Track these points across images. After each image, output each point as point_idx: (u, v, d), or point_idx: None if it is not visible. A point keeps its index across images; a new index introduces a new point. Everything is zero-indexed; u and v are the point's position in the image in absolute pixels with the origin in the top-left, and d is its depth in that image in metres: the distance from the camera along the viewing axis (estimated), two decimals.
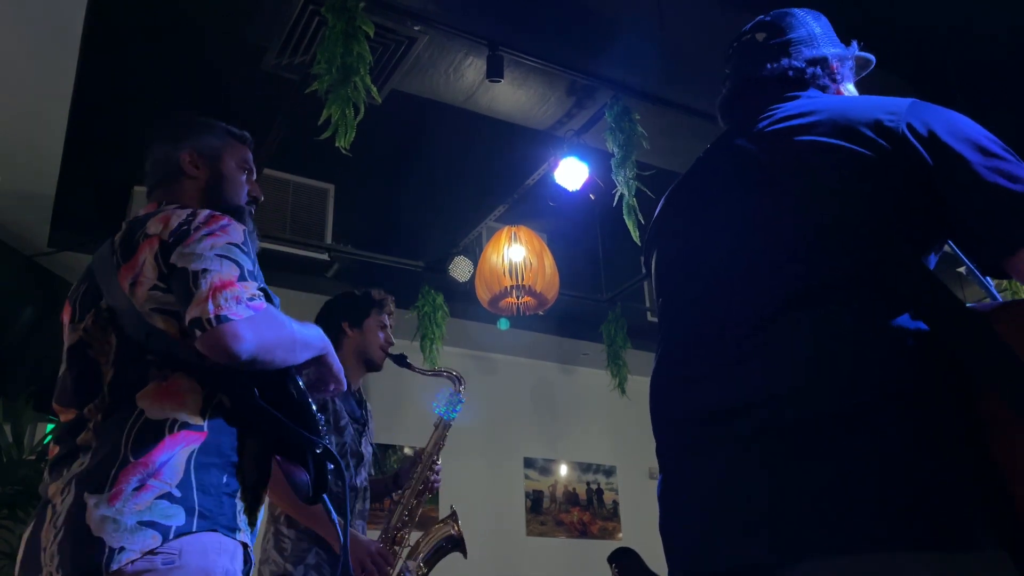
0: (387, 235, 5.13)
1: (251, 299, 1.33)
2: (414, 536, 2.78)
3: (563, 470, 6.73)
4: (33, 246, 4.62)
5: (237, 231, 1.42)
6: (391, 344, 2.65)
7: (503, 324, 5.19)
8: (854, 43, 1.35)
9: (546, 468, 6.66)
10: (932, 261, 1.09)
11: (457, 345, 5.93)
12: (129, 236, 1.44)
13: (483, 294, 4.42)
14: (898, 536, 0.89)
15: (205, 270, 1.32)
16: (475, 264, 4.78)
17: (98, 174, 4.24)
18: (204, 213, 1.43)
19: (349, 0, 3.01)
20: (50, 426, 4.26)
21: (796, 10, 1.36)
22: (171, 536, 1.22)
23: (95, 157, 4.04)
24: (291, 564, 2.30)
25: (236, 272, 1.34)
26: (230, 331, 1.27)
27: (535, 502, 6.48)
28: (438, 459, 2.82)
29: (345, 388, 1.59)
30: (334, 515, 1.52)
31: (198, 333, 1.27)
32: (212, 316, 1.27)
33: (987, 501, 0.90)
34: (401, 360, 2.74)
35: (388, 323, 2.65)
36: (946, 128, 1.04)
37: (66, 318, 1.50)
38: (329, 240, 4.74)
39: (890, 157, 1.04)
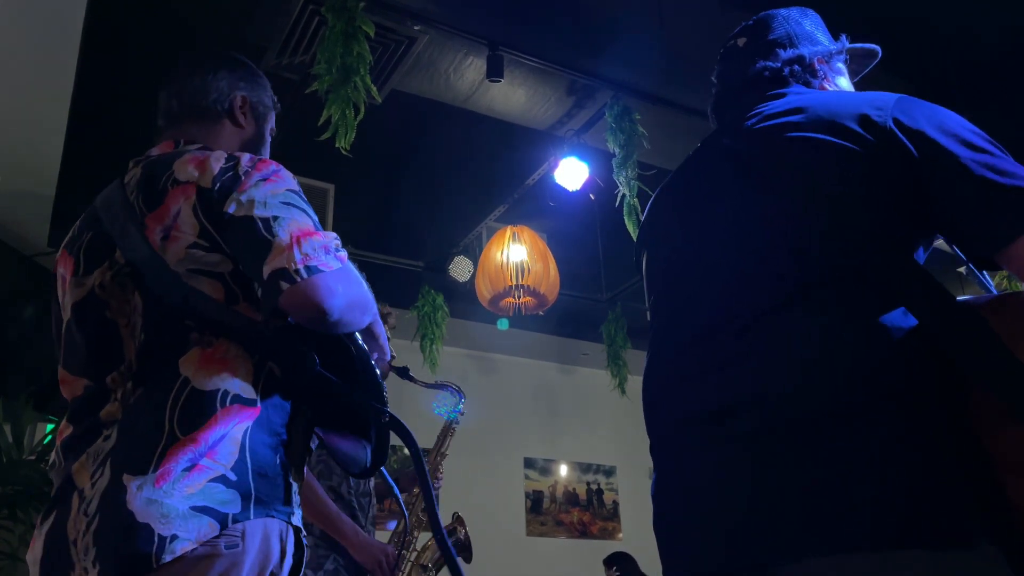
0: (387, 235, 5.13)
1: (337, 249, 1.17)
2: (421, 539, 2.79)
3: (563, 470, 6.73)
4: (33, 246, 4.63)
5: (290, 177, 1.24)
6: (394, 356, 2.67)
7: (503, 324, 5.19)
8: (843, 37, 1.35)
9: (546, 468, 6.66)
10: (922, 255, 1.09)
11: (457, 345, 5.93)
12: (151, 180, 1.23)
13: (484, 293, 4.43)
14: (894, 534, 0.89)
15: (276, 217, 1.15)
16: (475, 264, 4.78)
17: (98, 174, 4.23)
18: (247, 156, 1.24)
19: (349, 0, 3.01)
20: (50, 426, 4.26)
21: (780, 11, 1.37)
22: (228, 524, 1.08)
23: (95, 157, 4.04)
24: (310, 570, 2.30)
25: (309, 220, 1.18)
26: (324, 283, 1.11)
27: (535, 502, 6.48)
28: (441, 463, 2.84)
29: (389, 359, 1.45)
30: (396, 489, 1.44)
31: (284, 286, 1.09)
32: (301, 266, 1.10)
33: (981, 498, 0.91)
34: (404, 372, 2.76)
35: (388, 336, 2.68)
36: (933, 123, 1.04)
37: (64, 269, 1.31)
38: None
39: (878, 152, 1.04)
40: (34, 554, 1.16)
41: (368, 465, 1.26)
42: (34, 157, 3.94)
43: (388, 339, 2.63)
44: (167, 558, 1.04)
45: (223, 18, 3.44)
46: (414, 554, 2.74)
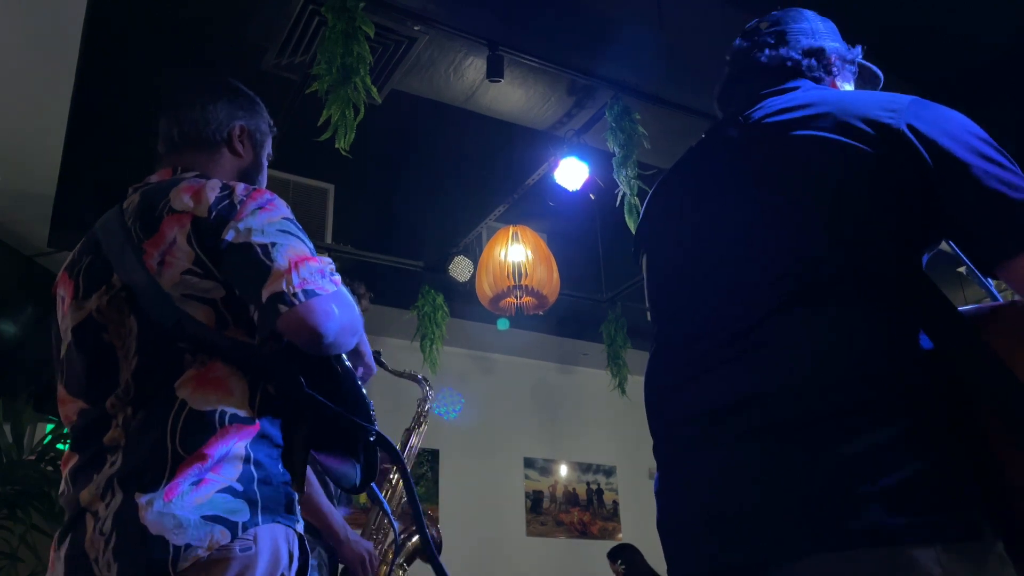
0: (387, 235, 5.13)
1: (332, 273, 1.21)
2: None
3: (563, 470, 6.73)
4: (33, 246, 4.63)
5: (283, 205, 1.29)
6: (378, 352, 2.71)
7: (503, 324, 5.19)
8: (858, 47, 1.35)
9: (546, 468, 6.66)
10: (924, 259, 1.09)
11: (457, 345, 5.93)
12: (148, 207, 1.28)
13: (485, 293, 4.43)
14: (897, 530, 0.90)
15: (274, 243, 1.19)
16: (475, 264, 4.78)
17: (98, 174, 4.24)
18: (241, 186, 1.29)
19: (349, 0, 3.01)
20: (50, 426, 4.26)
21: (804, 9, 1.38)
22: (239, 531, 1.12)
23: (95, 157, 4.04)
24: None
25: (306, 247, 1.22)
26: (320, 307, 1.14)
27: (535, 502, 6.48)
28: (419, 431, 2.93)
29: (374, 372, 1.46)
30: (385, 504, 1.48)
31: (282, 309, 1.13)
32: (299, 290, 1.14)
33: (986, 492, 0.92)
34: (375, 357, 2.78)
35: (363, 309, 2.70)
36: (947, 130, 1.04)
37: (64, 292, 1.35)
38: (329, 240, 4.74)
39: (888, 155, 1.04)
40: (55, 575, 1.21)
41: (358, 483, 1.30)
42: (34, 157, 3.94)
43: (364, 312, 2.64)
44: (183, 565, 1.09)
45: (223, 18, 3.44)
46: (385, 551, 2.81)
